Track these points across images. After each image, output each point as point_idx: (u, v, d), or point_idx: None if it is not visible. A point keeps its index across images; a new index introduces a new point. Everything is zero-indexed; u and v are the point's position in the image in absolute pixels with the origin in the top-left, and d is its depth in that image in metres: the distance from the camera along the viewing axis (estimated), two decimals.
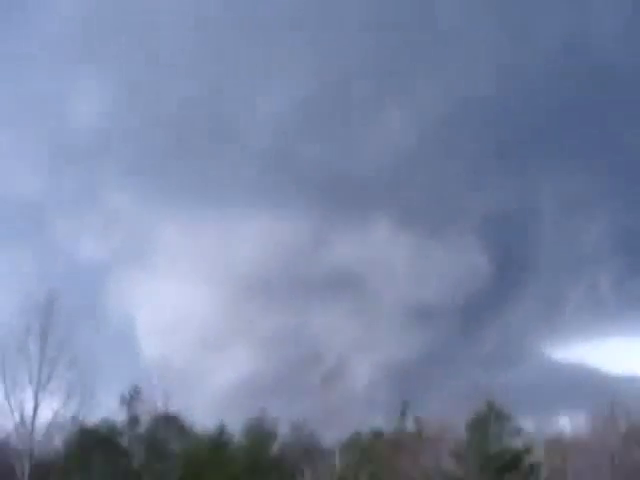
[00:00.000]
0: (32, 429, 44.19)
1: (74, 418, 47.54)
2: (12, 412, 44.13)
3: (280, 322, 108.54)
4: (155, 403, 59.14)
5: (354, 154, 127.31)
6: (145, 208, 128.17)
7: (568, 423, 65.77)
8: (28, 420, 44.13)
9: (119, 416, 58.95)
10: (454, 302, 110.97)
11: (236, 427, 66.28)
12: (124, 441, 58.24)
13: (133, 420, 59.32)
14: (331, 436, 59.05)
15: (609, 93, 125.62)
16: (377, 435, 63.73)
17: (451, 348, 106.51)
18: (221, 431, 67.34)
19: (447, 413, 57.00)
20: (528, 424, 56.10)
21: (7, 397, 44.06)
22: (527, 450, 52.34)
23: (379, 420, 63.74)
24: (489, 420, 51.63)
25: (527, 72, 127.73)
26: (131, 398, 59.40)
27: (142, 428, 59.16)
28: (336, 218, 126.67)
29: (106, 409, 55.81)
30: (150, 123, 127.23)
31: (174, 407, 59.38)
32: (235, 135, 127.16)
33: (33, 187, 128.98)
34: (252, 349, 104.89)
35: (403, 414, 61.29)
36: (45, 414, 44.82)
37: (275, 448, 66.19)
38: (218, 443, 64.31)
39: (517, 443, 52.76)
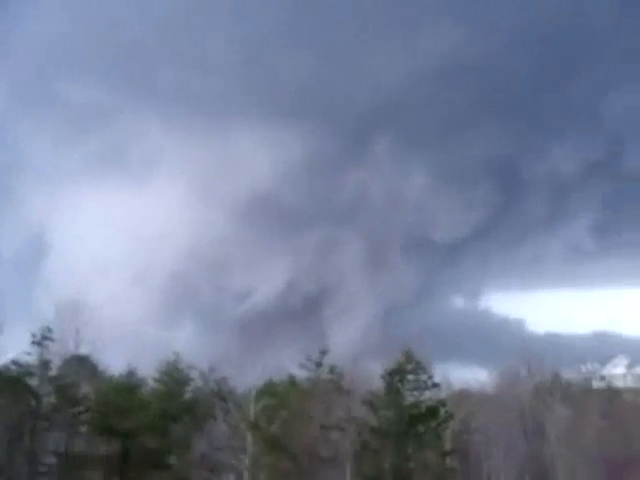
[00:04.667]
0: None
1: None
2: None
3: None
4: (67, 343, 57.79)
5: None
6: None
7: (481, 375, 68.15)
8: None
9: (30, 356, 57.15)
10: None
11: (151, 368, 65.73)
12: (34, 382, 56.42)
13: (43, 362, 57.57)
14: (246, 381, 58.66)
15: None
16: (292, 382, 64.00)
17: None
18: (133, 375, 66.69)
19: (364, 361, 58.09)
20: (443, 374, 57.59)
21: None
22: (442, 402, 53.50)
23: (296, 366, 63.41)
24: (405, 370, 52.33)
25: None
26: (42, 338, 57.44)
27: (53, 370, 57.60)
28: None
29: (17, 348, 54.32)
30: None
31: (87, 348, 58.38)
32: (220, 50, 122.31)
33: None
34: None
35: (319, 362, 61.43)
36: None
37: (188, 393, 65.89)
38: (130, 387, 63.47)
39: (432, 395, 53.81)
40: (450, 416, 53.77)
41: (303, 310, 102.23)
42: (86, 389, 59.39)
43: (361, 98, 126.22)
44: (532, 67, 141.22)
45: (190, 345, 76.39)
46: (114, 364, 65.40)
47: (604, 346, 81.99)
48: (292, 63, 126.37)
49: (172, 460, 60.61)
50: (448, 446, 56.62)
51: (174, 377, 65.05)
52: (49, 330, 56.98)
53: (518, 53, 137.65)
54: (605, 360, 67.75)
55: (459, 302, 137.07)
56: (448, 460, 57.28)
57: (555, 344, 64.96)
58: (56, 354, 57.88)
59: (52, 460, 56.11)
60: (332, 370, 60.38)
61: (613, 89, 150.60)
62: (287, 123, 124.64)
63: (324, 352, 61.26)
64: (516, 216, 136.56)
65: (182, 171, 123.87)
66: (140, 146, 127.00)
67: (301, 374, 62.18)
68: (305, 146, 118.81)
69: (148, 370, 66.10)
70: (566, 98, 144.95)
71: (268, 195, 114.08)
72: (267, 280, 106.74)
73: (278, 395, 60.05)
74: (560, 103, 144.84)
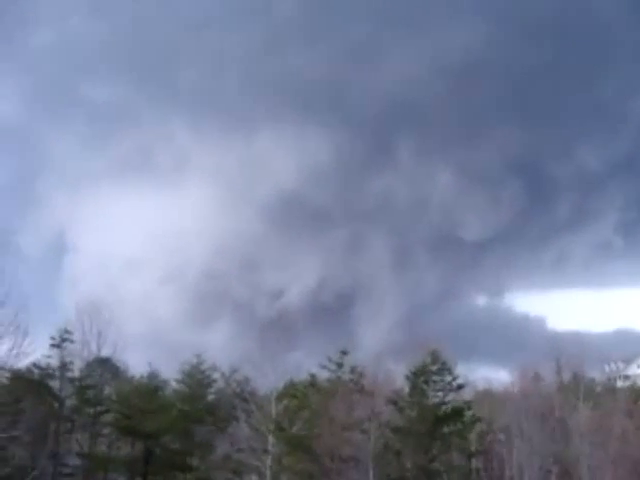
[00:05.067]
0: None
1: (6, 360, 45.90)
2: None
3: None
4: (89, 345, 58.17)
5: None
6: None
7: (505, 374, 67.49)
8: None
9: (51, 359, 57.47)
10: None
11: (173, 370, 65.85)
12: (56, 385, 56.73)
13: (63, 364, 57.86)
14: (268, 382, 58.49)
15: None
16: (313, 383, 63.74)
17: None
18: (155, 376, 66.85)
19: (386, 361, 57.91)
20: (466, 374, 57.29)
21: None
22: (468, 404, 53.22)
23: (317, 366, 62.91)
24: (431, 371, 52.11)
25: None
26: (62, 341, 57.73)
27: (75, 371, 57.85)
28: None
29: (41, 350, 54.66)
30: None
31: (109, 349, 58.70)
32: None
33: None
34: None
35: (340, 363, 61.12)
36: None
37: (211, 394, 65.96)
38: (151, 389, 63.59)
39: (456, 396, 53.56)
40: (477, 419, 53.44)
41: (330, 310, 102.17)
42: (109, 391, 59.59)
43: (384, 96, 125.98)
44: (555, 64, 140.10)
45: (221, 345, 75.89)
46: (143, 365, 65.66)
47: (627, 345, 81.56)
48: (314, 61, 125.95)
49: (195, 461, 60.74)
50: (473, 447, 56.28)
51: (196, 379, 65.18)
52: (67, 332, 57.26)
53: (541, 50, 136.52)
54: (629, 359, 66.98)
55: (483, 301, 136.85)
56: (473, 461, 56.99)
57: (579, 343, 63.99)
58: (78, 356, 58.14)
59: (76, 461, 56.39)
60: (353, 370, 60.21)
61: (637, 86, 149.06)
62: (311, 122, 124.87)
63: (345, 352, 60.94)
64: (542, 215, 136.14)
65: (209, 171, 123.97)
66: (165, 147, 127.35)
67: (323, 374, 62.05)
68: (330, 145, 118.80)
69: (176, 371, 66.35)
70: (591, 95, 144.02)
71: (295, 195, 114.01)
72: (295, 280, 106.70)
73: (298, 396, 59.96)
74: (585, 100, 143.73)
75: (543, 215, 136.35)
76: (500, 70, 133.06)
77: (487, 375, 67.86)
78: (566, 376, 62.01)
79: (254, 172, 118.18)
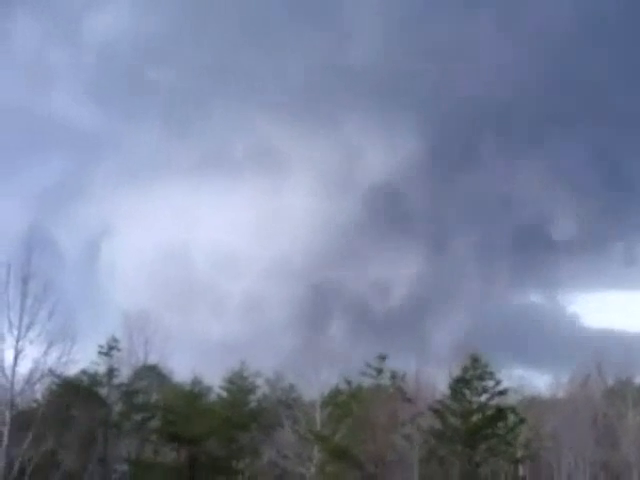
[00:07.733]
0: (12, 378, 43.25)
1: (55, 367, 46.74)
2: None
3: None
4: (136, 353, 59.13)
5: None
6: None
7: (549, 379, 66.41)
8: (8, 369, 43.19)
9: (99, 366, 58.40)
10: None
11: (218, 378, 66.27)
12: (104, 392, 57.59)
13: (110, 370, 58.75)
14: (313, 389, 58.60)
15: None
16: (357, 390, 63.51)
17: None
18: (199, 382, 67.33)
19: (428, 366, 57.66)
20: (513, 377, 56.67)
21: None
22: (512, 408, 52.67)
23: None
24: (473, 376, 51.72)
25: None
26: (109, 348, 58.63)
27: (122, 378, 58.66)
28: None
29: (90, 358, 55.76)
30: None
31: (155, 357, 59.57)
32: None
33: None
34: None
35: (379, 369, 60.50)
36: (25, 363, 44.05)
37: (254, 401, 66.23)
38: (196, 395, 64.12)
39: (499, 401, 53.04)
40: (521, 421, 52.77)
41: (406, 310, 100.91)
42: (154, 397, 60.46)
43: (470, 90, 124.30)
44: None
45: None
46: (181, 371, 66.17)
47: None
48: (396, 54, 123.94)
49: (240, 466, 61.06)
50: (519, 453, 55.61)
51: (238, 385, 65.58)
52: (115, 340, 58.14)
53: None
54: None
55: (534, 300, 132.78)
56: (520, 468, 56.37)
57: (620, 343, 62.47)
58: (125, 363, 59.05)
59: (124, 467, 57.11)
60: (393, 376, 59.57)
61: None
62: (397, 112, 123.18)
63: (383, 357, 60.08)
64: (618, 213, 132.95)
65: (296, 161, 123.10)
66: (244, 137, 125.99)
67: (366, 381, 61.68)
68: (418, 138, 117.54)
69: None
70: None
71: (388, 187, 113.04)
72: (386, 277, 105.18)
73: (340, 403, 59.77)
74: None
75: (619, 213, 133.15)
76: (583, 66, 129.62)
77: (523, 375, 66.58)
78: (610, 379, 60.98)
79: (345, 163, 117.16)
